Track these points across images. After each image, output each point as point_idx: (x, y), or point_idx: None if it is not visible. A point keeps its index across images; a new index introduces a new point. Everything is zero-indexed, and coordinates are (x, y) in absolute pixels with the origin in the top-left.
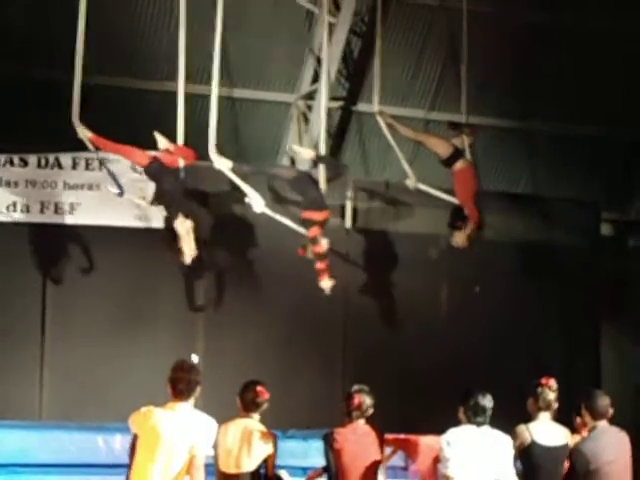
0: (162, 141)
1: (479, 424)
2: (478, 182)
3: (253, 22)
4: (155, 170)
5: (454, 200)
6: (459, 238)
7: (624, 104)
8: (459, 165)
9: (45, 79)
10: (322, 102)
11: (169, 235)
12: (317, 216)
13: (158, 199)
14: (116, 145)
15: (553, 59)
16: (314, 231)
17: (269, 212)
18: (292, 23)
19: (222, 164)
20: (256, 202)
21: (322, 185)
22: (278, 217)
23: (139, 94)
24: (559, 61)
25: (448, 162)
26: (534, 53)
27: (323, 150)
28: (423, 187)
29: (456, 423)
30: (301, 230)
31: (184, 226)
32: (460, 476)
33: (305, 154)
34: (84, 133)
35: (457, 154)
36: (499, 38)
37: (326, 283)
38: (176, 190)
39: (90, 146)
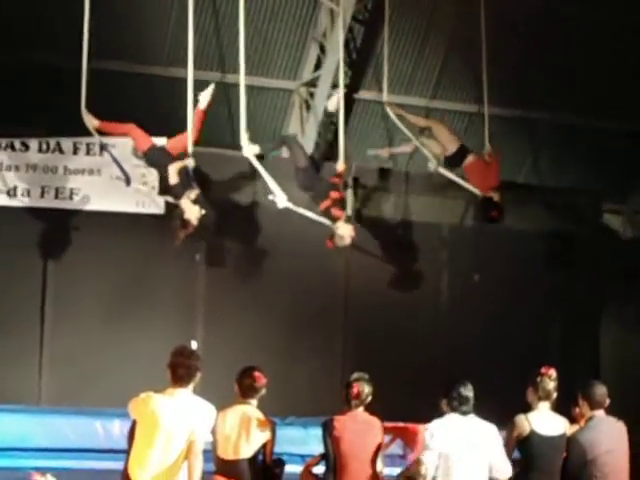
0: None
1: (465, 413)
2: (497, 172)
3: (255, 8)
4: (155, 156)
5: (475, 190)
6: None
7: (628, 95)
8: (468, 161)
9: (46, 63)
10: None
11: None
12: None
13: (166, 189)
14: (123, 126)
15: (558, 49)
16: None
17: (292, 207)
18: (294, 10)
19: (250, 150)
20: (280, 198)
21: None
22: (301, 211)
23: (143, 79)
24: (564, 51)
25: (454, 161)
26: (539, 43)
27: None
28: (444, 171)
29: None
30: (325, 221)
31: (193, 212)
32: (454, 464)
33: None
34: (90, 122)
35: (463, 151)
36: (503, 27)
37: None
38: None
39: (95, 134)
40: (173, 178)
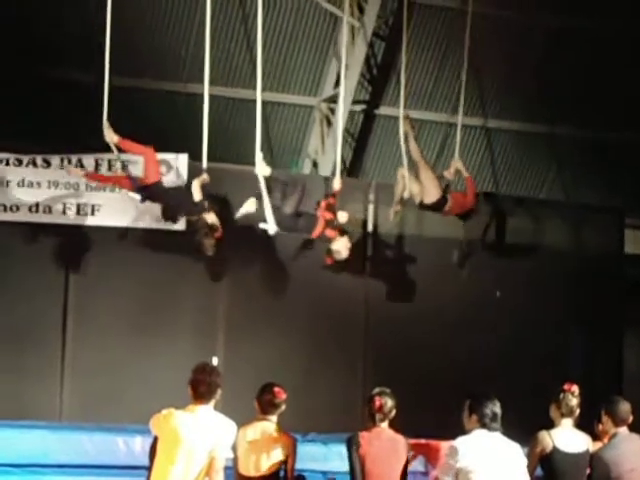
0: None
1: (492, 429)
2: (472, 195)
3: (276, 25)
4: (161, 190)
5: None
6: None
7: None
8: (447, 207)
9: (67, 80)
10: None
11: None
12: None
13: (171, 215)
14: (142, 147)
15: (577, 63)
16: (325, 215)
17: (282, 232)
18: (315, 26)
19: (262, 170)
20: (271, 226)
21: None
22: (294, 235)
23: (162, 95)
24: (583, 65)
25: (431, 209)
26: (558, 57)
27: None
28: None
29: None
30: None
31: (214, 219)
32: None
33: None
34: (111, 137)
35: (443, 201)
36: (523, 42)
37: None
38: (181, 197)
39: (115, 150)
40: (198, 194)
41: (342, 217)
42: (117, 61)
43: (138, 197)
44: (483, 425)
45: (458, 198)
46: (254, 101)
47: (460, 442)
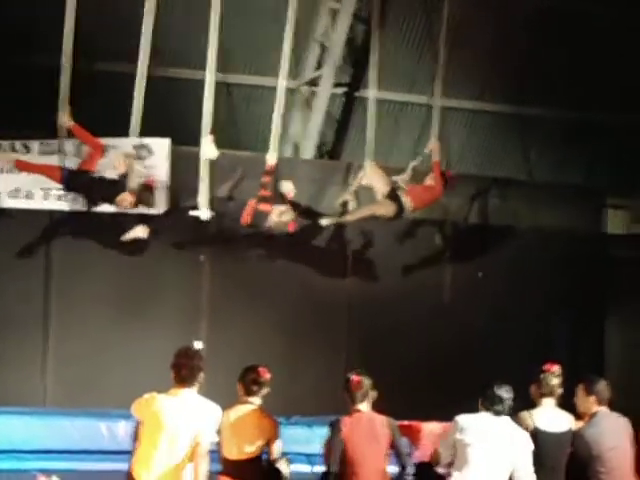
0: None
1: (497, 412)
2: (439, 183)
3: (256, 7)
4: (88, 178)
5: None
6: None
7: (631, 90)
8: (408, 211)
9: (47, 65)
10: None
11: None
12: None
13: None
14: (94, 140)
15: (559, 45)
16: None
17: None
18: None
19: (209, 153)
20: (203, 212)
21: None
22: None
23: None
24: (565, 47)
25: (394, 219)
26: (540, 39)
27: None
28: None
29: (464, 410)
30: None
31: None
32: (473, 455)
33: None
34: (65, 120)
35: (400, 211)
36: (503, 24)
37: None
38: (108, 184)
39: (64, 133)
40: (122, 167)
41: (285, 187)
42: (95, 45)
43: (62, 187)
44: (487, 408)
45: (418, 194)
46: (238, 85)
47: (462, 417)
